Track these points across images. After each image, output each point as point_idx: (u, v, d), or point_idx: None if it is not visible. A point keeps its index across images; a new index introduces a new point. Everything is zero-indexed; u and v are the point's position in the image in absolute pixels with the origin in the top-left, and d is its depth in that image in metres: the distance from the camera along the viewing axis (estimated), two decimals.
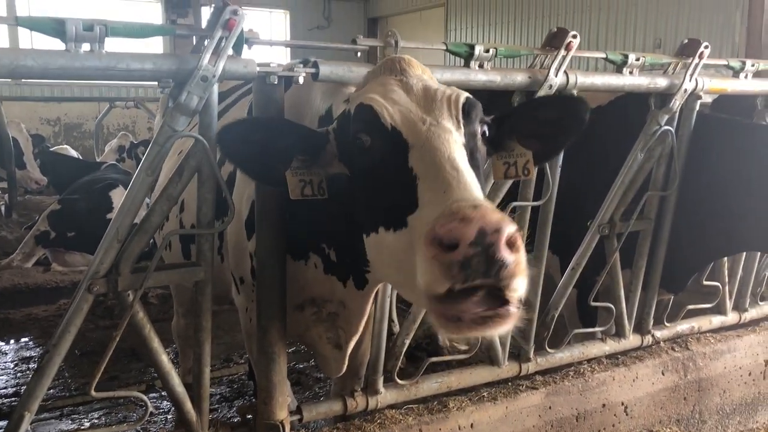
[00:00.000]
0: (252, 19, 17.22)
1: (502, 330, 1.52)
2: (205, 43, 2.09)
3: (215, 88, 2.13)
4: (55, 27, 1.86)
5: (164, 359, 2.31)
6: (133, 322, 2.20)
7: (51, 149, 10.42)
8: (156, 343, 2.28)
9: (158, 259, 2.21)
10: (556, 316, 3.29)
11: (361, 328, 2.50)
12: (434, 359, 3.01)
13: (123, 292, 2.15)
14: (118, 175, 7.76)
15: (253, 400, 3.13)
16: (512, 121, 2.12)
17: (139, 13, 16.06)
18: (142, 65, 1.99)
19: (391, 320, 4.94)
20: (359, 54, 2.51)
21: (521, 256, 1.47)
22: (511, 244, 1.44)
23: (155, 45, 15.10)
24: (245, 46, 2.18)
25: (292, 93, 2.46)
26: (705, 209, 3.35)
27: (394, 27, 18.91)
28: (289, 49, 18.44)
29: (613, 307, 3.37)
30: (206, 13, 7.66)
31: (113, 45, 1.94)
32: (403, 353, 2.86)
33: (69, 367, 4.83)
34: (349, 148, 1.94)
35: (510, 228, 1.44)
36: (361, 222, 1.91)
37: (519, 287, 1.48)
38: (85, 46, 1.91)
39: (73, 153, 10.75)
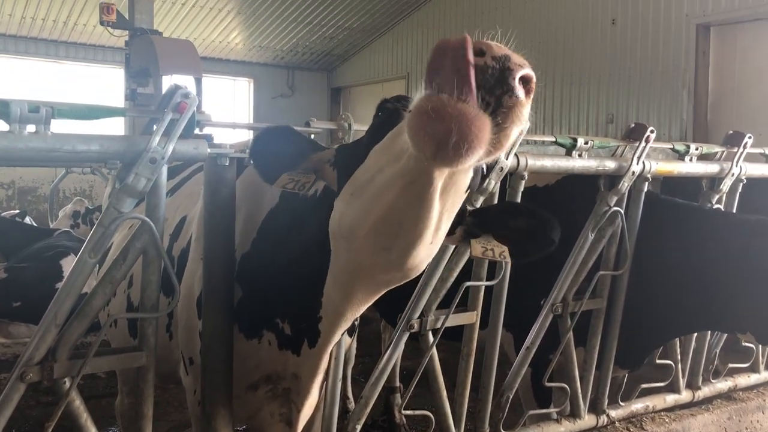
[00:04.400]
0: (215, 87, 17.44)
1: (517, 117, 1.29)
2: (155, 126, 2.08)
3: (164, 170, 2.11)
4: None
5: None
6: (68, 410, 2.10)
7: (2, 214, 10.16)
8: None
9: (100, 341, 2.13)
10: (511, 396, 3.26)
11: (314, 396, 2.43)
12: None
13: (59, 380, 2.05)
14: (70, 243, 7.57)
15: None
16: (488, 220, 2.13)
17: (102, 77, 16.12)
18: (88, 147, 1.96)
19: (346, 397, 4.84)
20: (312, 136, 2.53)
21: (527, 103, 1.30)
22: (526, 81, 1.28)
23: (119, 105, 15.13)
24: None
25: (251, 170, 2.47)
26: (659, 288, 3.39)
27: (356, 97, 19.27)
28: (252, 113, 18.71)
29: (567, 387, 3.35)
30: (167, 82, 7.71)
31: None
32: None
33: None
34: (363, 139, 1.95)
35: (530, 71, 1.29)
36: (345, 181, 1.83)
37: (519, 120, 1.30)
38: (30, 128, 1.88)
39: (27, 219, 10.48)
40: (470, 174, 1.64)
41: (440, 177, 1.48)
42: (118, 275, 2.13)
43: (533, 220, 2.13)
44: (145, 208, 2.16)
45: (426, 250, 1.71)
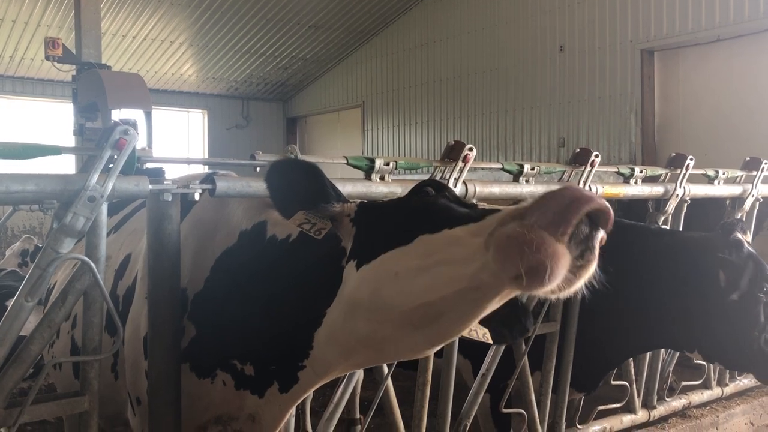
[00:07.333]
0: (169, 119, 17.26)
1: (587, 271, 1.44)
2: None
3: (104, 208, 2.05)
4: None
5: None
6: None
7: None
8: None
9: (39, 387, 2.05)
10: (469, 425, 3.24)
11: None
12: None
13: None
14: (16, 283, 7.33)
15: None
16: None
17: (51, 112, 15.83)
18: (23, 187, 1.90)
19: (305, 431, 4.74)
20: (258, 169, 2.50)
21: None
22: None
23: (68, 140, 14.83)
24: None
25: (202, 207, 2.42)
26: (611, 309, 3.42)
27: (312, 126, 19.32)
28: (206, 144, 18.53)
29: (524, 412, 3.34)
30: (116, 116, 7.61)
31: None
32: None
33: None
34: (385, 206, 1.98)
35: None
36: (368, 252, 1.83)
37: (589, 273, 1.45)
38: None
39: None
40: None
41: (507, 294, 1.55)
42: (58, 318, 2.06)
43: (512, 307, 2.15)
44: (85, 247, 2.09)
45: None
